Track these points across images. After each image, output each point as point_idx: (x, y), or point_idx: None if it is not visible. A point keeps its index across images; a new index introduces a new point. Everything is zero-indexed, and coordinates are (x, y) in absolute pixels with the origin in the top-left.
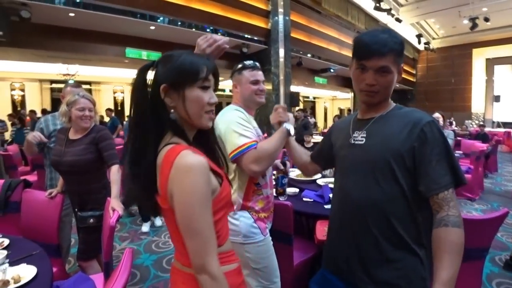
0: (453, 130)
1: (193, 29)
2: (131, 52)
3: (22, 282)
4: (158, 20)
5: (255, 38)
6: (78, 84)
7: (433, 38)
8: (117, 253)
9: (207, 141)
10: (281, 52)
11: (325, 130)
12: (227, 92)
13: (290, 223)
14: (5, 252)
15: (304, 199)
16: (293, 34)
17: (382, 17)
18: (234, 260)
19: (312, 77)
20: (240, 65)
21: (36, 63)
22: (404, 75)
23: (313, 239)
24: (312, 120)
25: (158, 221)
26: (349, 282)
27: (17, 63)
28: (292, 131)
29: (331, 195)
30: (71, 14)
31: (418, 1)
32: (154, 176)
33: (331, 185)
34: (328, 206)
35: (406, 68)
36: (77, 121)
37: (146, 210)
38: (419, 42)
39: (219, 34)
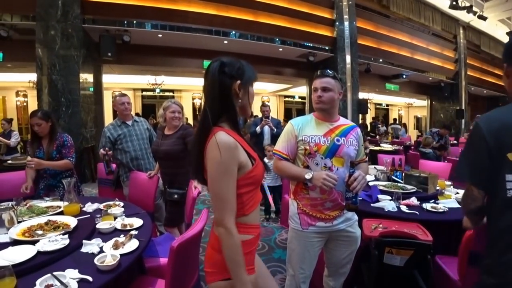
0: None
1: (262, 41)
2: (208, 64)
3: (135, 226)
4: (231, 35)
5: (321, 46)
6: (123, 93)
7: None
8: None
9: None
10: (348, 59)
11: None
12: (297, 99)
13: None
14: (122, 209)
15: None
16: (360, 41)
17: (462, 15)
18: (251, 233)
19: (383, 84)
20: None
21: (131, 75)
22: (493, 80)
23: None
24: (383, 128)
25: None
26: None
27: (117, 76)
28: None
29: (379, 196)
30: (160, 35)
31: None
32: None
33: (381, 187)
34: (374, 205)
35: (496, 71)
36: (170, 121)
37: (199, 182)
38: None
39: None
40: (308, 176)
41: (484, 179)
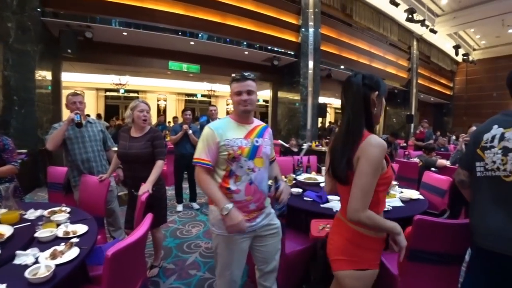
0: None
1: (229, 44)
2: (173, 64)
3: (78, 234)
4: (198, 37)
5: (286, 51)
6: (76, 92)
7: (474, 49)
8: None
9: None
10: (310, 64)
11: None
12: (261, 102)
13: None
14: (67, 215)
15: (305, 198)
16: (323, 47)
17: (416, 28)
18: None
19: None
20: (231, 78)
21: (94, 74)
22: (439, 88)
23: (308, 233)
24: None
25: (180, 207)
26: None
27: (79, 75)
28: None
29: (328, 197)
30: (124, 33)
31: (456, 10)
32: (352, 149)
33: None
34: (323, 206)
35: (442, 81)
36: (138, 121)
37: (339, 172)
38: (457, 54)
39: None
40: (224, 212)
41: (468, 165)
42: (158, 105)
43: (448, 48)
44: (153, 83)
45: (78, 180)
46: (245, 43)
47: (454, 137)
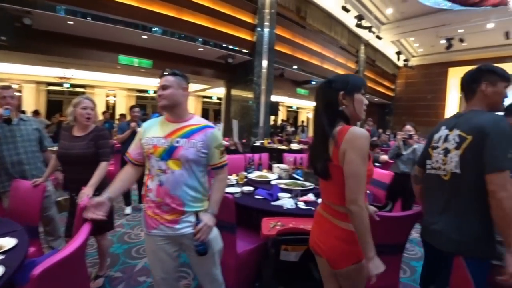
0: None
1: (184, 40)
2: (123, 59)
3: (5, 249)
4: (152, 30)
5: (240, 49)
6: (7, 85)
7: (413, 56)
8: None
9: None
10: (264, 63)
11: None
12: (214, 99)
13: (232, 214)
14: None
15: (256, 196)
16: (277, 47)
17: (364, 34)
18: None
19: (294, 88)
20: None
21: (34, 66)
22: (383, 90)
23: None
24: (291, 129)
25: (128, 210)
26: None
27: (16, 66)
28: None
29: (279, 194)
30: (70, 22)
31: (399, 20)
32: (328, 146)
33: (282, 186)
34: (274, 203)
35: (385, 83)
36: (81, 119)
37: (320, 170)
38: (399, 59)
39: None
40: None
41: (421, 162)
42: (107, 101)
43: (391, 54)
44: (101, 77)
45: (8, 185)
46: (200, 39)
47: (393, 135)
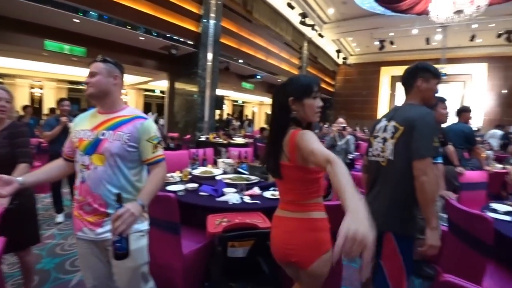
0: (354, 135)
1: (123, 27)
2: (50, 44)
3: None
4: (86, 14)
5: (185, 40)
6: None
7: (351, 55)
8: None
9: (309, 128)
10: (209, 56)
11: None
12: (157, 93)
13: (175, 213)
14: None
15: (201, 193)
16: (223, 40)
17: (307, 31)
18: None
19: (240, 82)
20: None
21: None
22: (324, 85)
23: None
24: (237, 123)
25: (60, 218)
26: None
27: None
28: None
29: (224, 189)
30: None
31: (339, 20)
32: (281, 148)
33: (227, 180)
34: (219, 199)
35: (326, 79)
36: None
37: (271, 170)
38: (338, 57)
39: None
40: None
41: (366, 151)
42: (31, 93)
43: (332, 52)
44: (24, 66)
45: None
46: (141, 27)
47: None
